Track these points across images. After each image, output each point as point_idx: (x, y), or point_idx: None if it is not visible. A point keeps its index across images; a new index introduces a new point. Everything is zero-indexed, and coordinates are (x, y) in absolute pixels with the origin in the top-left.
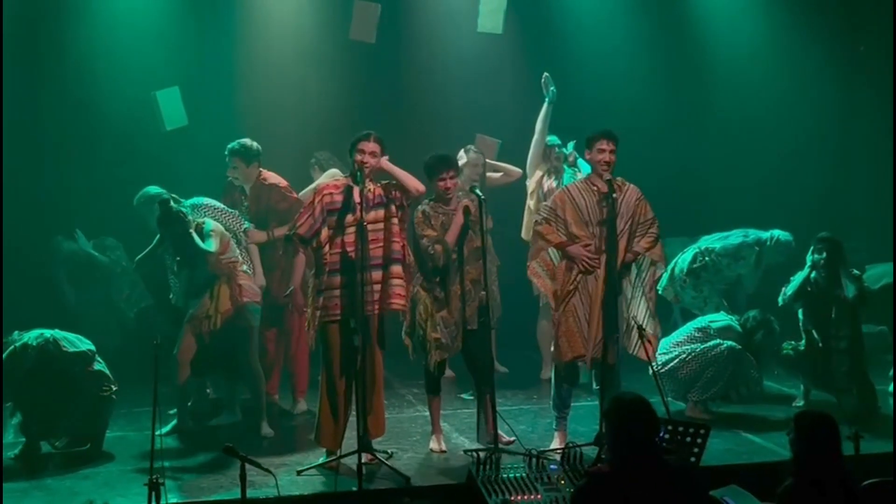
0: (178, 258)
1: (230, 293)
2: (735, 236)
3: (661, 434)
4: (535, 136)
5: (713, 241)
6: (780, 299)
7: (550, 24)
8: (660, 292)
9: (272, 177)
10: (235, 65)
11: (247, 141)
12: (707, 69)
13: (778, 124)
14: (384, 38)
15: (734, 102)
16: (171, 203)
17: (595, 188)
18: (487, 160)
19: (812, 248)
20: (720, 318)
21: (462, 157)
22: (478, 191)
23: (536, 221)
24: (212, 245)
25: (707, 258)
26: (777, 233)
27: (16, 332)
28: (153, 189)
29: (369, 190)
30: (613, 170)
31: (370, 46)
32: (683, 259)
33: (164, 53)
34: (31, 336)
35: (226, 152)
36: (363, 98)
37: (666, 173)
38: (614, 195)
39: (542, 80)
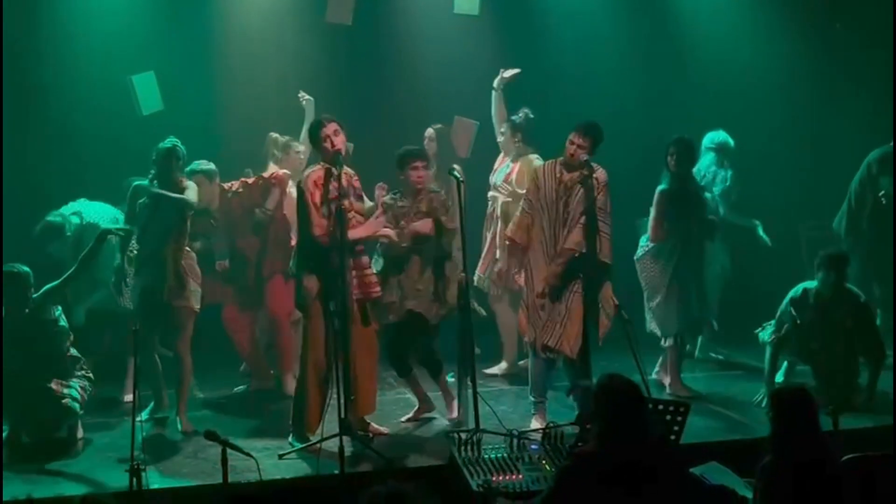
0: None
1: (174, 268)
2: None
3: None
4: (497, 129)
5: None
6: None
7: (527, 4)
8: None
9: (228, 184)
10: (211, 47)
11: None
12: (687, 51)
13: (757, 106)
14: (361, 20)
15: (714, 83)
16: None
17: (559, 177)
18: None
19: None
20: None
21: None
22: (455, 173)
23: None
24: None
25: None
26: (715, 137)
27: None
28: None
29: (347, 176)
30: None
31: (347, 28)
32: None
33: (140, 38)
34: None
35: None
36: (341, 80)
37: (644, 155)
38: (595, 175)
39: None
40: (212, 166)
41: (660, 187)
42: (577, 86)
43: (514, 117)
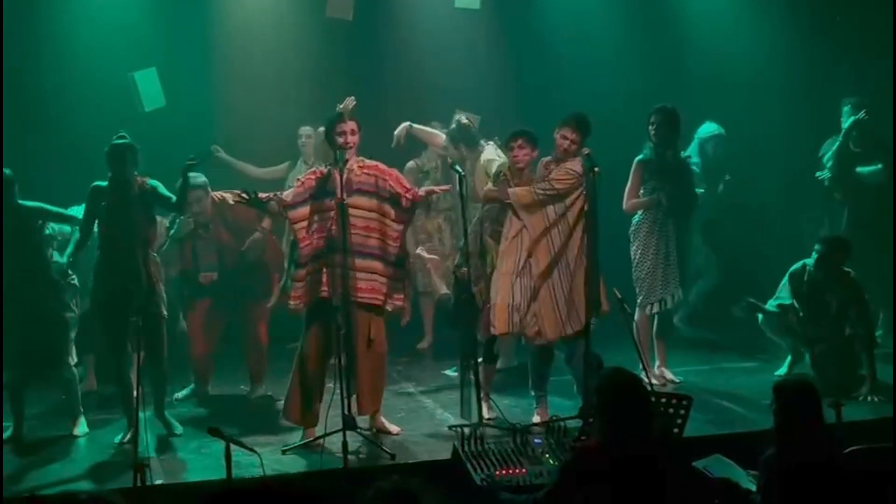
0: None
1: (147, 274)
2: None
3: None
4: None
5: None
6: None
7: None
8: None
9: (218, 194)
10: (212, 43)
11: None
12: (687, 45)
13: (757, 98)
14: (361, 15)
15: (714, 77)
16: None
17: (549, 171)
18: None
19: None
20: None
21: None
22: (457, 167)
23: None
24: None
25: None
26: (706, 131)
27: None
28: None
29: (353, 172)
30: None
31: (347, 23)
32: None
33: (141, 34)
34: None
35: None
36: (341, 75)
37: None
38: (595, 168)
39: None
40: (203, 178)
41: (638, 157)
42: (577, 79)
43: (450, 129)
